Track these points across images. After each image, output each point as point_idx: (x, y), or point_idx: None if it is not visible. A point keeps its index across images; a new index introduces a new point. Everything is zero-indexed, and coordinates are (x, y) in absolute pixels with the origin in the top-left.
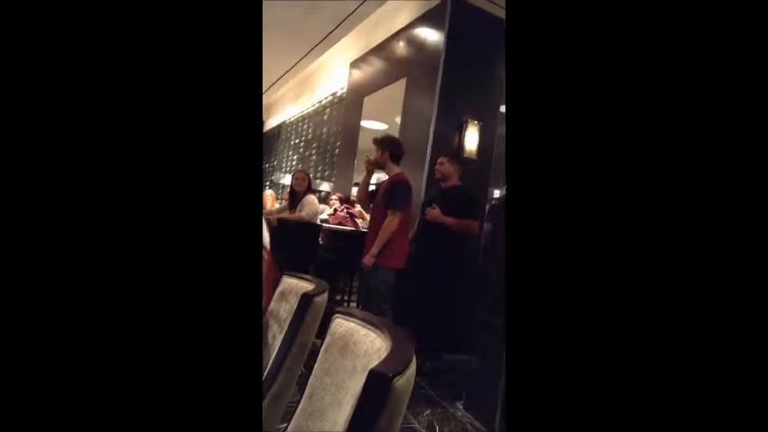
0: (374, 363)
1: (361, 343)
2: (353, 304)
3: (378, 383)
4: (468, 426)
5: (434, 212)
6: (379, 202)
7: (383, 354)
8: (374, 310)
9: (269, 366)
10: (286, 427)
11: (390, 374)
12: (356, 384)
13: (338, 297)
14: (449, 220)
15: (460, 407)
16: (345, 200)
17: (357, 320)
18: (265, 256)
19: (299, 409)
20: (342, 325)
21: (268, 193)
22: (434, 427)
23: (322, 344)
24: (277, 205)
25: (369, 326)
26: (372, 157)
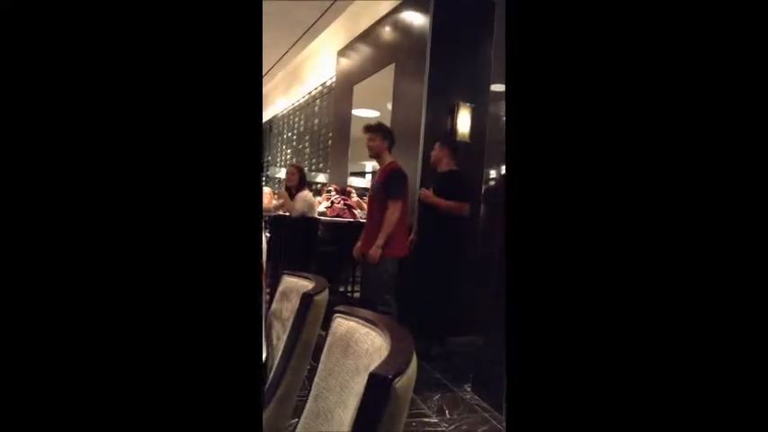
0: (375, 362)
1: (362, 342)
2: (357, 295)
3: (378, 386)
4: (477, 407)
5: (426, 193)
6: (375, 192)
7: (384, 352)
8: (378, 301)
9: (274, 366)
10: (296, 423)
11: (390, 376)
12: (359, 384)
13: (341, 288)
14: (440, 202)
15: (468, 389)
16: (341, 191)
17: (357, 319)
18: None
19: (305, 410)
20: (342, 324)
21: (266, 191)
22: (444, 411)
23: (326, 339)
24: (274, 202)
25: (368, 324)
26: (369, 145)
